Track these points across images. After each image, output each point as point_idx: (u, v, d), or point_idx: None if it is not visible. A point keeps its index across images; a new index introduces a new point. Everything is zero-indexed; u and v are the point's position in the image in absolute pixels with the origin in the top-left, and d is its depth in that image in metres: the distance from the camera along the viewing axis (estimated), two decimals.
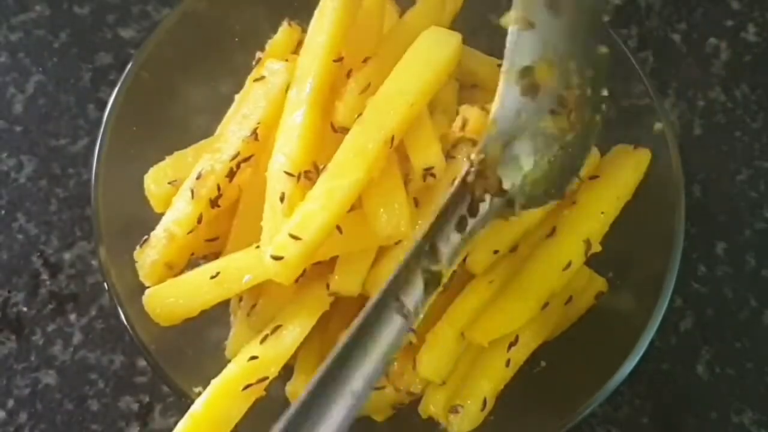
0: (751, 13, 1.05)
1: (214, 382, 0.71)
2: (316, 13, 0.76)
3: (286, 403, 0.78)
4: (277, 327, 0.73)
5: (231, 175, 0.75)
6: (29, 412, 0.88)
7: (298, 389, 0.78)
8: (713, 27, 1.04)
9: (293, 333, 0.73)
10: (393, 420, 0.80)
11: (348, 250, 0.73)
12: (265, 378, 0.71)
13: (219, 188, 0.75)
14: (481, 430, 0.74)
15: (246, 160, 0.75)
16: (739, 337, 0.92)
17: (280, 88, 0.75)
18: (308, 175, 0.70)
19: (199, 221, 0.75)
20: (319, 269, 0.75)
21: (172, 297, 0.74)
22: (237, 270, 0.73)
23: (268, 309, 0.75)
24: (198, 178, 0.75)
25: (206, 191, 0.75)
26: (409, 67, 0.73)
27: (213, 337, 0.80)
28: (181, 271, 0.77)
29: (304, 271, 0.72)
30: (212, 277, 0.73)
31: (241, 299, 0.77)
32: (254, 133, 0.75)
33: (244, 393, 0.70)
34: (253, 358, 0.72)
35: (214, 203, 0.75)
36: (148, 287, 0.76)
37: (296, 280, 0.73)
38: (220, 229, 0.78)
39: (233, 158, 0.75)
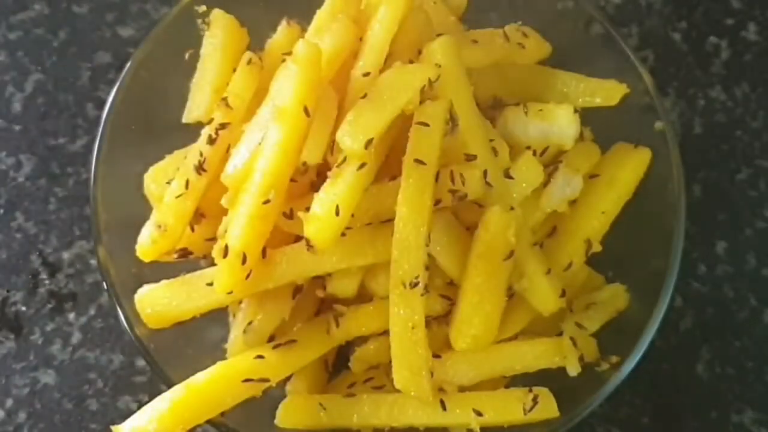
0: (751, 12, 1.05)
1: (220, 363, 0.73)
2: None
3: None
4: (291, 341, 0.75)
5: (211, 141, 0.77)
6: (28, 412, 0.88)
7: (298, 389, 0.78)
8: (714, 26, 1.04)
9: (304, 355, 0.75)
10: None
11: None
12: (267, 380, 0.72)
13: (201, 154, 0.76)
14: (482, 431, 0.74)
15: (223, 127, 0.77)
16: (739, 336, 0.92)
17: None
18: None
19: (187, 186, 0.76)
20: (318, 283, 0.76)
21: (165, 299, 0.74)
22: None
23: (265, 327, 0.76)
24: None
25: (190, 158, 0.77)
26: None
27: (212, 336, 0.80)
28: (180, 272, 0.77)
29: (302, 286, 0.75)
30: (209, 284, 0.73)
31: (241, 301, 0.77)
32: (225, 99, 0.77)
33: (243, 385, 0.72)
34: (260, 357, 0.73)
35: (199, 168, 0.76)
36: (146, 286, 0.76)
37: (293, 296, 0.75)
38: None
39: (210, 124, 0.78)
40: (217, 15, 0.83)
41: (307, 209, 0.69)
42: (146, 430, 0.70)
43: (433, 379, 0.72)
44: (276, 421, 0.75)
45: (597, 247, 0.79)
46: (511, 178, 0.76)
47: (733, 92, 1.01)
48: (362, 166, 0.69)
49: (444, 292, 0.76)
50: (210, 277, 0.74)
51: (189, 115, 0.83)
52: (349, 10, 0.78)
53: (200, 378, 0.72)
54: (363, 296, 0.76)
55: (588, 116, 0.83)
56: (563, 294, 0.77)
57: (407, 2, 0.76)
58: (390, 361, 0.72)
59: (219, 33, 0.82)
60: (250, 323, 0.75)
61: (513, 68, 0.84)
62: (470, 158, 0.74)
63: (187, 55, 0.85)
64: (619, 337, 0.78)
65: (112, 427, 0.70)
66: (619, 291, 0.81)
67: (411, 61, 0.76)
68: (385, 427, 0.75)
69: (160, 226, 0.76)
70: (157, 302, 0.75)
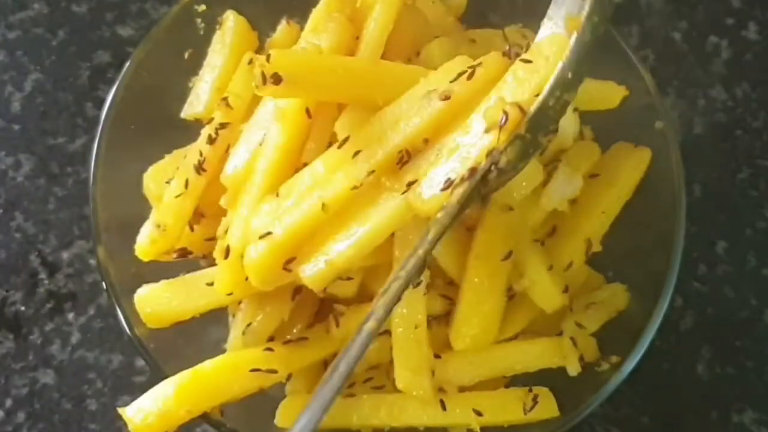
0: (751, 11, 1.05)
1: (229, 352, 0.74)
2: None
3: None
4: (303, 338, 0.76)
5: (211, 141, 0.77)
6: (27, 412, 0.88)
7: (297, 389, 0.78)
8: (714, 25, 1.04)
9: (313, 352, 0.75)
10: None
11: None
12: (275, 371, 0.72)
13: (201, 153, 0.77)
14: (482, 431, 0.74)
15: (223, 126, 0.77)
16: (739, 336, 0.92)
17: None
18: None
19: (186, 186, 0.77)
20: None
21: (165, 299, 0.75)
22: None
23: (265, 328, 0.76)
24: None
25: (190, 157, 0.77)
26: None
27: (212, 336, 0.80)
28: (180, 272, 0.77)
29: (301, 287, 0.74)
30: (209, 284, 0.73)
31: (240, 302, 0.77)
32: (225, 99, 0.78)
33: (250, 374, 0.72)
34: (269, 349, 0.74)
35: (198, 168, 0.76)
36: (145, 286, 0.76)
37: (293, 298, 0.75)
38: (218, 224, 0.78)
39: (209, 123, 0.78)
40: (230, 15, 0.83)
41: None
42: (151, 412, 0.70)
43: (434, 379, 0.72)
44: (276, 421, 0.75)
45: (597, 247, 0.79)
46: None
47: (734, 92, 1.01)
48: None
49: (444, 292, 0.76)
50: (210, 277, 0.74)
51: (188, 110, 0.83)
52: (345, 9, 0.78)
53: (208, 365, 0.72)
54: (363, 296, 0.76)
55: (588, 116, 0.83)
56: (566, 290, 0.77)
57: None
58: (390, 361, 0.72)
59: (229, 33, 0.82)
60: (249, 324, 0.75)
61: None
62: None
63: (186, 55, 0.85)
64: (619, 337, 0.78)
65: (118, 409, 0.70)
66: (619, 291, 0.81)
67: (409, 61, 0.76)
68: (385, 427, 0.75)
69: (159, 226, 0.76)
70: (157, 302, 0.75)
